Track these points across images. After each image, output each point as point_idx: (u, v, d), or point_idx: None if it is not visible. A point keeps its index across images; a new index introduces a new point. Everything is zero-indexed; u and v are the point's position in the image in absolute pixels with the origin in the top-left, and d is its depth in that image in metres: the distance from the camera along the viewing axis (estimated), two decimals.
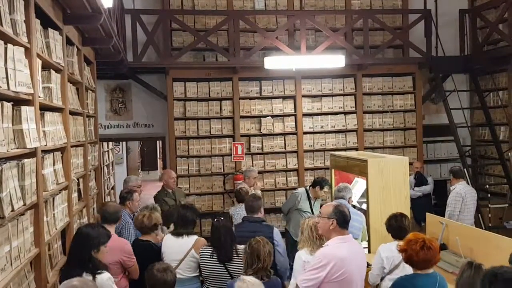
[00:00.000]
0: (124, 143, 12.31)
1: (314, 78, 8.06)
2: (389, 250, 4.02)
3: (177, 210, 4.43)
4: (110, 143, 10.23)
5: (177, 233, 4.16)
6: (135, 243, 4.23)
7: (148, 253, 4.13)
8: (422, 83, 8.47)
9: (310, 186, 6.36)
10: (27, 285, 2.96)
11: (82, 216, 4.90)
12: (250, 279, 3.01)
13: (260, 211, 4.68)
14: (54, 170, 3.71)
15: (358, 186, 6.01)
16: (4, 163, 2.56)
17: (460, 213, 6.23)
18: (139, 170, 16.11)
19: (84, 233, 3.28)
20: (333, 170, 6.34)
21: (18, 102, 2.87)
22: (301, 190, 6.46)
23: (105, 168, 9.14)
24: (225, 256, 3.90)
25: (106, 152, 9.65)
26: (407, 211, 5.35)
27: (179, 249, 4.09)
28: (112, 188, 10.18)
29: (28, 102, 3.04)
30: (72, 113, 4.53)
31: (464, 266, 2.96)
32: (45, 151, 3.50)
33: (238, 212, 5.64)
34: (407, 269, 3.55)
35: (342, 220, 3.42)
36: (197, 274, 4.12)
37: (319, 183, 6.20)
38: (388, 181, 5.19)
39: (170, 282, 3.23)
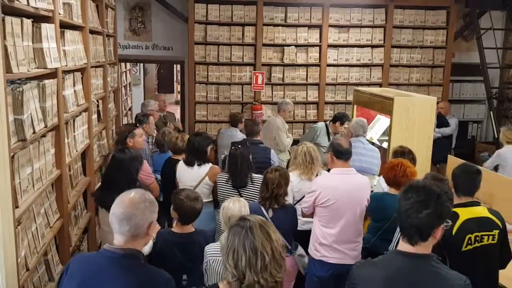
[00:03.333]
0: (141, 64, 12.12)
1: (343, 7, 7.63)
2: None
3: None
4: (128, 63, 10.08)
5: (188, 162, 4.21)
6: (167, 161, 4.63)
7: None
8: (456, 19, 8.01)
9: (330, 121, 6.25)
10: (49, 206, 2.98)
11: (102, 137, 4.89)
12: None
13: (259, 135, 5.18)
14: (75, 91, 3.64)
15: (380, 123, 5.88)
16: (25, 84, 2.46)
17: None
18: (156, 92, 16.03)
19: (122, 158, 3.48)
20: (355, 106, 6.18)
21: (37, 19, 2.72)
22: (321, 124, 6.36)
23: (123, 89, 9.06)
24: (240, 183, 4.00)
25: (124, 73, 9.51)
26: (429, 152, 5.27)
27: (192, 177, 4.17)
28: (130, 109, 10.16)
29: (48, 19, 2.89)
30: (92, 32, 4.37)
31: None
32: (65, 72, 3.40)
33: (229, 134, 6.03)
34: None
35: (336, 152, 3.60)
36: (211, 199, 4.23)
37: (340, 118, 6.08)
38: (413, 121, 5.06)
39: (199, 210, 3.23)
